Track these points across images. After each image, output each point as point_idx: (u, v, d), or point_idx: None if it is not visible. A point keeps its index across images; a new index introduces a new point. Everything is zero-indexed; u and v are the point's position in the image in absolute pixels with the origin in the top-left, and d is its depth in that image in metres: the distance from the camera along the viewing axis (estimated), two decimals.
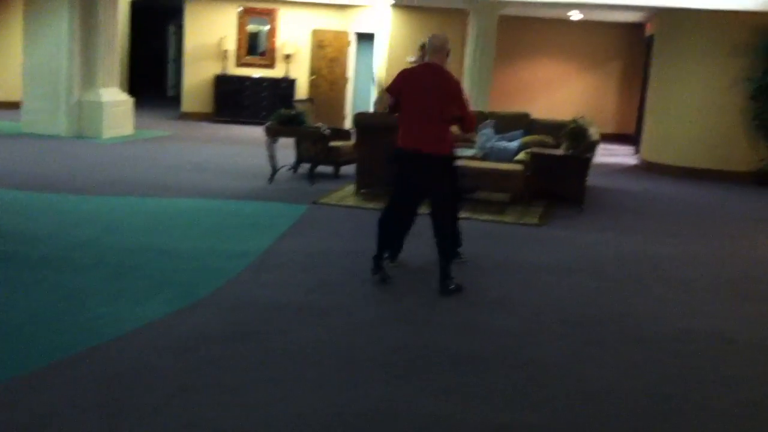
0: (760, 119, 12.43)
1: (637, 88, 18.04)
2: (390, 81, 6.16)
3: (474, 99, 14.60)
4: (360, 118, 9.56)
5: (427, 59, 6.01)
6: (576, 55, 18.83)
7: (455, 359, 4.54)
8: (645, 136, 14.49)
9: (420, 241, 6.65)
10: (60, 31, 13.25)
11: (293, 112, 10.17)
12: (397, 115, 6.01)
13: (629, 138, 17.35)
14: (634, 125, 17.63)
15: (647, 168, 13.83)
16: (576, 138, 9.43)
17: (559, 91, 18.79)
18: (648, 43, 16.55)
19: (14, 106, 15.60)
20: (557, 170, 9.71)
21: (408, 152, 5.82)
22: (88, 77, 13.62)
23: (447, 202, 6.02)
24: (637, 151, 15.55)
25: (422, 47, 6.70)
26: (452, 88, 5.84)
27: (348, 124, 17.78)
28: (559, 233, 8.13)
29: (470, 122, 5.99)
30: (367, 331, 4.93)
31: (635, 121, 17.34)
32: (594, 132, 9.89)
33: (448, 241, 5.95)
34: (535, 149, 9.88)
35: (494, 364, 4.53)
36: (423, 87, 5.79)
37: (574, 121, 9.86)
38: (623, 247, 7.70)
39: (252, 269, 6.09)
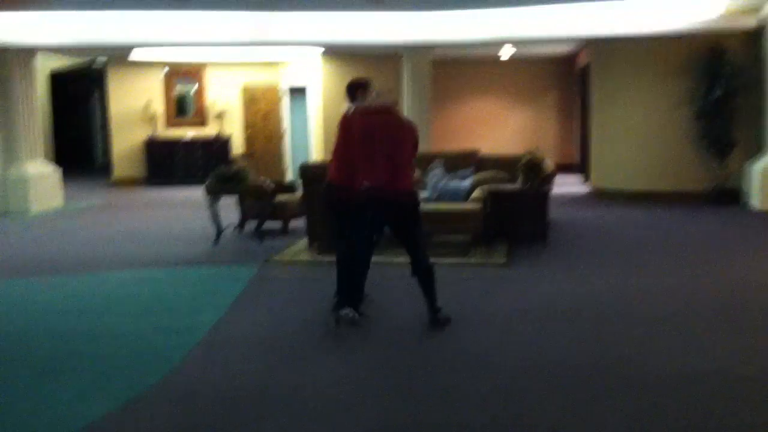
0: (708, 138, 12.25)
1: (574, 117, 17.95)
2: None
3: None
4: (305, 170, 9.02)
5: (374, 100, 5.89)
6: (511, 91, 18.69)
7: None
8: (593, 164, 14.26)
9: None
10: None
11: (233, 169, 9.60)
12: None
13: (573, 167, 17.15)
14: (576, 154, 17.51)
15: (599, 195, 13.57)
16: (532, 171, 9.03)
17: (498, 127, 18.56)
18: (581, 73, 16.49)
19: None
20: (516, 206, 9.28)
21: (381, 190, 5.63)
22: (10, 152, 12.84)
23: (424, 239, 6.04)
24: (586, 179, 15.30)
25: (360, 88, 6.27)
26: (415, 134, 5.95)
27: (290, 176, 17.22)
28: (527, 273, 7.66)
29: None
30: (342, 414, 4.31)
31: (578, 149, 17.21)
32: (548, 164, 9.53)
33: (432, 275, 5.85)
34: (490, 186, 9.44)
35: None
36: (389, 128, 5.74)
37: (529, 153, 9.47)
38: (594, 284, 7.21)
39: (202, 347, 5.44)
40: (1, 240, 10.28)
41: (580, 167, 16.51)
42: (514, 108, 18.70)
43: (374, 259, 6.11)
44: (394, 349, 5.39)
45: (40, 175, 13.20)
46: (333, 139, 6.37)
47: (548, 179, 9.29)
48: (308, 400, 4.44)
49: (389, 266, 7.34)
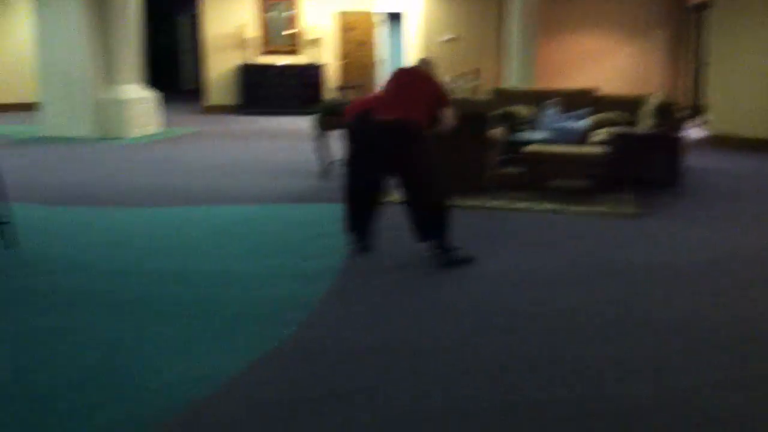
0: None
1: (685, 58, 16.92)
2: None
3: (519, 77, 13.61)
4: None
5: None
6: (618, 27, 17.65)
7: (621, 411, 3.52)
8: (711, 109, 13.38)
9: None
10: (73, 26, 12.25)
11: (342, 101, 9.12)
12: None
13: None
14: (684, 96, 16.53)
15: (718, 141, 12.73)
16: (664, 115, 8.35)
17: (603, 65, 17.62)
18: (696, 10, 15.45)
19: (28, 108, 14.67)
20: (645, 150, 8.63)
21: (385, 121, 5.69)
22: (108, 74, 12.65)
23: (429, 178, 5.85)
24: (701, 123, 14.42)
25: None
26: (436, 86, 5.98)
27: None
28: (663, 225, 7.08)
29: (449, 119, 5.98)
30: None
31: (689, 92, 16.25)
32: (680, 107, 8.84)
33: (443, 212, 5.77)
34: (618, 129, 8.81)
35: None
36: (406, 79, 5.98)
37: (663, 95, 8.78)
38: (737, 239, 6.61)
39: (334, 295, 5.08)
40: (99, 167, 10.08)
41: (691, 111, 15.57)
42: (620, 45, 17.71)
43: None
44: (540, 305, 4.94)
45: (138, 100, 13.01)
46: None
47: (681, 123, 8.61)
48: (454, 354, 4.04)
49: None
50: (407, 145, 5.69)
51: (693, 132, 14.19)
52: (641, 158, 8.64)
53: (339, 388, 3.70)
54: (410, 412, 3.48)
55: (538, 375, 3.87)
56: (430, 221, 5.75)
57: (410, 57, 16.86)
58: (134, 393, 3.61)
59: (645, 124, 9.21)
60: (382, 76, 17.24)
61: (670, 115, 8.36)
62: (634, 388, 3.73)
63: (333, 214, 7.23)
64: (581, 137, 9.81)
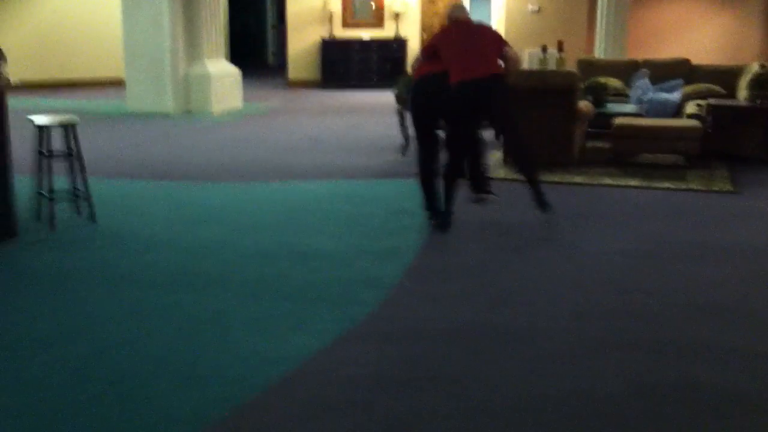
0: None
1: None
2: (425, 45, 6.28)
3: (610, 47, 13.16)
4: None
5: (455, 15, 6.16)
6: None
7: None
8: None
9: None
10: (158, 1, 12.34)
11: None
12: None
13: None
14: None
15: None
16: (762, 86, 7.92)
17: (696, 34, 16.93)
18: None
19: (117, 84, 14.94)
20: (741, 125, 8.22)
21: (475, 80, 5.80)
22: (192, 50, 12.74)
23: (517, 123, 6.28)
24: None
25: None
26: (491, 30, 6.35)
27: None
28: (759, 203, 6.72)
29: (515, 56, 6.10)
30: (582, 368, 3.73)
31: None
32: None
33: (531, 158, 6.25)
34: (713, 101, 8.41)
35: None
36: (467, 37, 5.96)
37: (763, 66, 8.33)
38: None
39: (412, 275, 4.96)
40: (189, 142, 10.16)
41: None
42: (714, 12, 16.96)
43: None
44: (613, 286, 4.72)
45: (222, 75, 13.08)
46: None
47: None
48: (542, 340, 3.87)
49: None
50: (503, 96, 6.00)
51: None
52: (737, 132, 8.23)
53: (420, 372, 3.58)
54: (493, 400, 3.34)
55: (637, 359, 3.67)
56: (529, 160, 6.21)
57: (497, 28, 16.52)
58: (215, 372, 3.58)
59: (741, 96, 8.78)
60: None
61: None
62: (726, 376, 3.51)
63: (413, 190, 7.10)
64: (674, 110, 9.43)
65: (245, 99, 13.92)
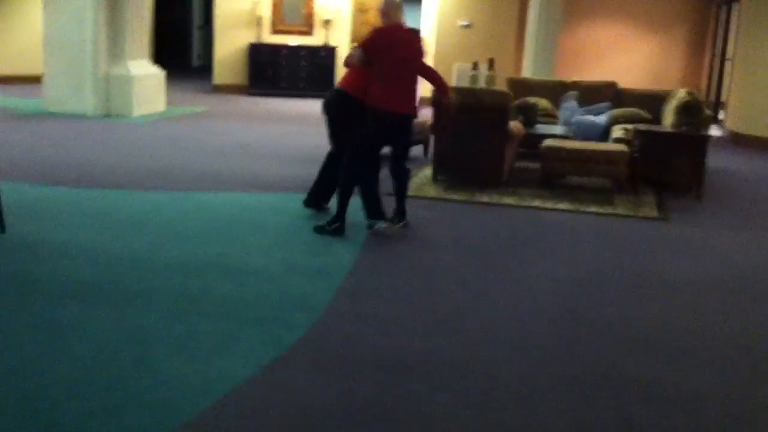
0: None
1: (703, 53, 16.58)
2: (366, 39, 6.07)
3: (539, 67, 13.28)
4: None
5: (388, 21, 6.04)
6: (640, 17, 17.26)
7: None
8: (731, 106, 13.06)
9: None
10: None
11: None
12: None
13: None
14: (704, 93, 16.18)
15: (734, 140, 12.43)
16: (691, 113, 8.04)
17: (621, 57, 17.27)
18: (720, 4, 15.08)
19: (35, 80, 14.35)
20: (665, 151, 8.33)
21: (401, 115, 6.03)
22: (115, 49, 12.28)
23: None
24: (717, 122, 14.11)
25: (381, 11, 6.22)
26: (424, 48, 6.20)
27: None
28: (688, 232, 6.78)
29: (441, 80, 6.37)
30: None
31: (706, 88, 15.90)
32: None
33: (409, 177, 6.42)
34: (640, 126, 8.50)
35: None
36: (405, 48, 6.00)
37: (690, 93, 8.46)
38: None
39: (344, 295, 4.79)
40: (108, 146, 9.77)
41: (712, 108, 15.26)
42: (639, 37, 17.33)
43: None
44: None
45: (145, 76, 12.67)
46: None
47: (706, 124, 8.30)
48: (483, 377, 3.76)
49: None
50: (407, 133, 6.28)
51: (712, 131, 13.88)
52: (663, 158, 8.35)
53: (354, 406, 3.42)
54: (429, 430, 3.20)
55: (575, 395, 3.59)
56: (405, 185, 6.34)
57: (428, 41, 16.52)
58: (132, 399, 3.34)
59: (667, 122, 8.91)
60: None
61: (697, 114, 8.04)
62: (662, 414, 3.45)
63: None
64: (601, 133, 9.53)
65: (168, 102, 13.53)
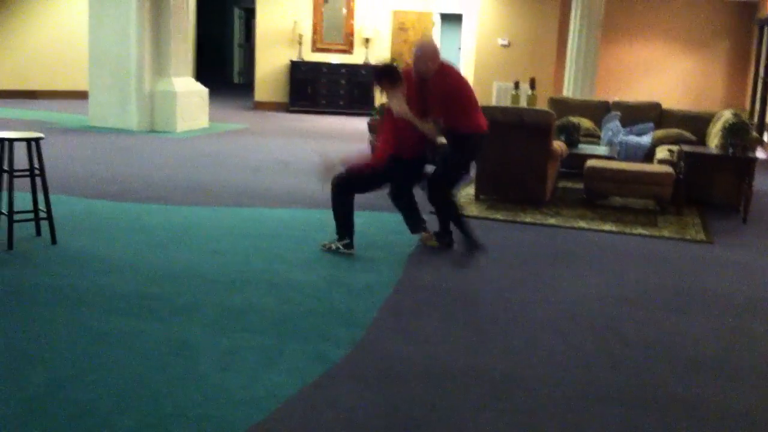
0: None
1: (746, 72, 16.40)
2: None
3: (579, 86, 13.22)
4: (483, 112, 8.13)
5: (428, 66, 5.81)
6: (679, 36, 17.13)
7: None
8: None
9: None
10: (128, 14, 12.09)
11: None
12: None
13: None
14: (747, 114, 15.99)
15: None
16: (738, 134, 7.94)
17: (661, 76, 17.15)
18: (762, 23, 14.90)
19: (81, 96, 14.61)
20: (711, 172, 8.24)
21: (483, 132, 6.11)
22: (160, 65, 12.48)
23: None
24: (762, 144, 13.90)
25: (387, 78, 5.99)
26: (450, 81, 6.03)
27: None
28: (733, 254, 6.68)
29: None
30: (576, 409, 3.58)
31: (749, 109, 15.70)
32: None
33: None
34: (686, 147, 8.41)
35: None
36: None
37: (736, 114, 8.36)
38: None
39: (388, 311, 4.79)
40: (153, 161, 9.89)
41: (757, 129, 15.04)
42: (678, 55, 17.18)
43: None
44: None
45: (188, 93, 12.83)
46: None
47: (753, 145, 8.19)
48: (519, 388, 3.72)
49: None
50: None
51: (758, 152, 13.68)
52: (709, 179, 8.25)
53: (400, 420, 3.40)
54: None
55: (620, 415, 3.53)
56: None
57: (465, 59, 16.55)
58: (180, 412, 3.35)
59: (712, 143, 8.81)
60: None
61: (744, 135, 7.93)
62: None
63: (386, 222, 6.95)
64: (645, 153, 9.45)
65: (211, 118, 13.68)
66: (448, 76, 5.88)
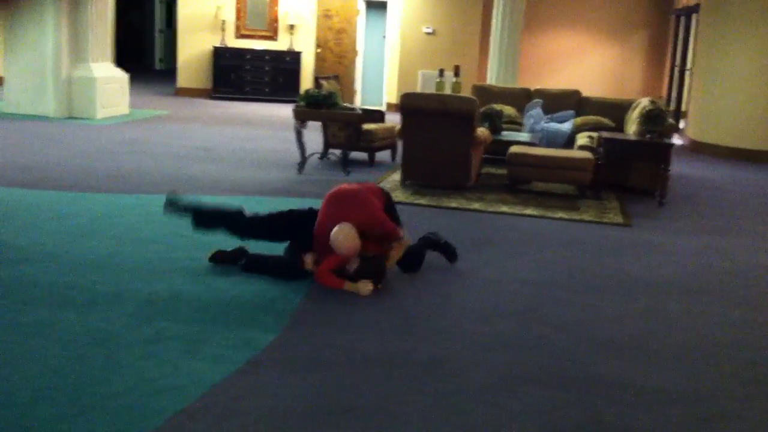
0: None
1: (663, 61, 16.87)
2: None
3: (503, 74, 13.40)
4: (408, 99, 8.18)
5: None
6: (600, 26, 17.52)
7: None
8: (691, 115, 13.27)
9: None
10: None
11: (324, 92, 8.79)
12: None
13: None
14: (664, 102, 16.43)
15: (694, 148, 12.62)
16: (655, 121, 8.15)
17: (582, 65, 17.52)
18: (681, 12, 15.33)
19: None
20: (629, 158, 8.45)
21: None
22: (78, 51, 12.14)
23: None
24: (678, 130, 14.31)
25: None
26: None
27: (358, 102, 16.49)
28: (651, 237, 6.87)
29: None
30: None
31: (665, 96, 16.15)
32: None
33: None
34: (605, 134, 8.60)
35: None
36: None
37: (653, 101, 8.58)
38: (735, 254, 6.45)
39: (312, 298, 4.77)
40: (71, 148, 9.64)
41: (673, 117, 15.49)
42: (599, 44, 17.56)
43: None
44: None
45: (108, 79, 12.54)
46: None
47: (669, 132, 8.43)
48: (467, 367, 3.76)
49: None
50: None
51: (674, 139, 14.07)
52: (627, 165, 8.47)
53: (328, 406, 3.40)
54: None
55: (545, 396, 3.61)
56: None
57: (391, 47, 16.58)
58: (101, 402, 3.29)
59: (630, 129, 9.03)
60: (360, 67, 16.96)
61: (661, 122, 8.15)
62: (630, 415, 3.49)
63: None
64: (565, 140, 9.64)
65: (132, 105, 13.40)
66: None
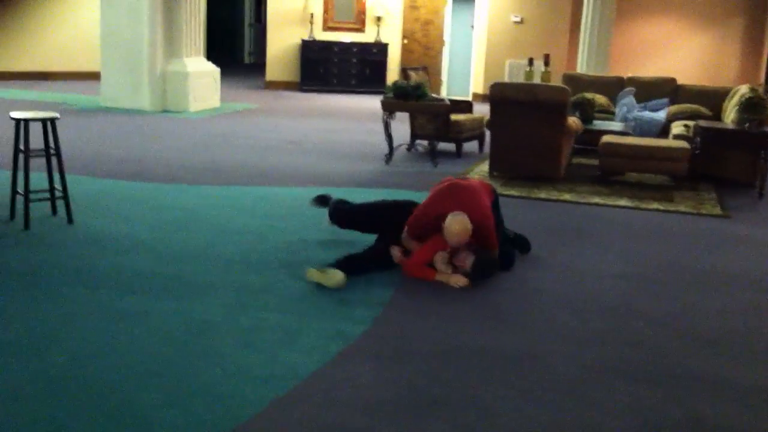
0: None
1: (761, 48, 16.25)
2: None
3: (593, 62, 13.16)
4: (497, 90, 8.11)
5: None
6: (695, 12, 16.96)
7: None
8: None
9: None
10: None
11: (412, 84, 8.79)
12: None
13: None
14: (762, 90, 15.83)
15: None
16: (754, 109, 7.87)
17: (675, 52, 17.00)
18: None
19: (93, 77, 14.62)
20: (727, 148, 8.19)
21: None
22: (172, 46, 12.45)
23: None
24: None
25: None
26: None
27: (444, 92, 16.44)
28: (751, 229, 6.64)
29: None
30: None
31: (764, 85, 15.56)
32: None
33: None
34: (702, 123, 8.36)
35: None
36: None
37: (753, 89, 8.29)
38: None
39: (404, 290, 4.78)
40: (165, 141, 9.90)
41: None
42: (693, 31, 17.03)
43: None
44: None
45: (200, 73, 12.82)
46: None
47: None
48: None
49: None
50: None
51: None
52: (724, 155, 8.21)
53: (418, 397, 3.41)
54: (496, 431, 3.18)
55: (640, 392, 3.54)
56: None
57: (477, 37, 16.46)
58: (203, 390, 3.37)
59: (728, 118, 8.75)
60: (446, 57, 16.89)
61: (760, 111, 7.87)
62: (729, 412, 3.38)
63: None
64: (660, 129, 9.40)
65: (222, 98, 13.68)
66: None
